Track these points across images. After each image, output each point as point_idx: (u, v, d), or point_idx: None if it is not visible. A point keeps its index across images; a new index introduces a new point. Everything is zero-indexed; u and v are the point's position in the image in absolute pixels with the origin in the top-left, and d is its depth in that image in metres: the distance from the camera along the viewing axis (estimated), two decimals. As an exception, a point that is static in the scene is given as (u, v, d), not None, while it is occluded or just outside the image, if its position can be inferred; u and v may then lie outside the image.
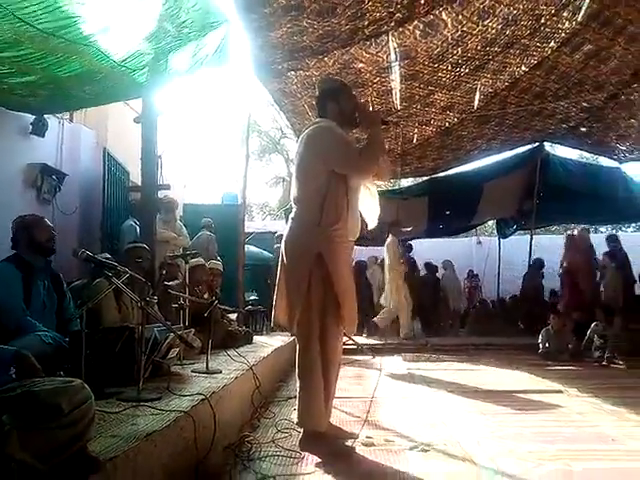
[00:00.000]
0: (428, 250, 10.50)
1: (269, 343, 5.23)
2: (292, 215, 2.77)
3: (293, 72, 5.24)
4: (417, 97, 6.10)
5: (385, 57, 5.27)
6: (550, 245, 11.80)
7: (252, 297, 7.15)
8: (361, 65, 5.37)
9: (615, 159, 8.52)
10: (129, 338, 2.72)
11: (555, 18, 5.23)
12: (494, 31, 5.14)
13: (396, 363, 6.03)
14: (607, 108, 7.13)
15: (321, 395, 2.63)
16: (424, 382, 4.77)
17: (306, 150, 2.74)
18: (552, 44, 5.65)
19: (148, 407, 2.20)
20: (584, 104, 6.94)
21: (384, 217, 7.05)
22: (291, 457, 2.55)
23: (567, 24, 5.40)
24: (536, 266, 9.11)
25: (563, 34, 5.54)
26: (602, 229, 16.91)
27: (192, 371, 3.24)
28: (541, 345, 6.38)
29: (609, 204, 8.48)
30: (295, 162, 2.88)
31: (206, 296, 4.49)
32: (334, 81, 3.19)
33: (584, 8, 5.13)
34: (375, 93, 5.94)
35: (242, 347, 4.49)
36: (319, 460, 2.50)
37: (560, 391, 4.26)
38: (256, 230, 11.15)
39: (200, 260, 4.91)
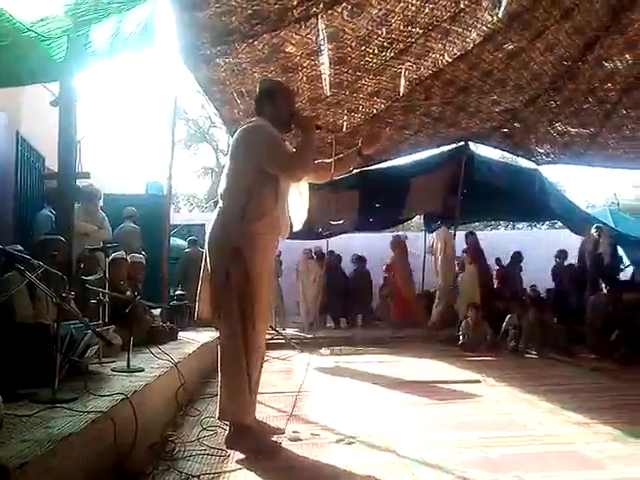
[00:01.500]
0: (356, 245, 10.64)
1: (195, 339, 5.11)
2: (217, 210, 2.77)
3: (222, 58, 5.11)
4: (346, 83, 6.10)
5: (314, 39, 5.22)
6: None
7: (178, 292, 6.95)
8: (291, 48, 5.29)
9: (533, 161, 8.97)
10: (44, 336, 2.56)
11: (474, 5, 5.34)
12: (414, 7, 5.18)
13: (323, 356, 6.09)
14: (527, 111, 7.49)
15: (246, 386, 2.61)
16: (350, 375, 4.85)
17: (237, 147, 2.76)
18: (474, 35, 5.78)
19: (64, 409, 2.09)
20: (506, 105, 7.24)
21: (318, 211, 7.11)
22: (216, 455, 2.50)
23: (487, 16, 5.55)
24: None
25: (485, 27, 5.68)
26: (519, 226, 17.93)
27: (112, 370, 3.09)
28: (461, 337, 6.66)
29: (527, 203, 8.95)
30: (227, 158, 2.88)
31: (128, 292, 4.32)
32: (273, 83, 3.21)
33: (504, 3, 5.28)
34: (305, 78, 5.89)
35: (166, 344, 4.36)
36: (243, 457, 2.47)
37: (479, 381, 4.46)
38: (183, 222, 10.87)
39: (121, 253, 4.71)
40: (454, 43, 5.84)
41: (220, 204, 2.77)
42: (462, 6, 5.26)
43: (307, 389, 3.91)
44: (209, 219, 2.82)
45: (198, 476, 2.23)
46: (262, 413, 3.20)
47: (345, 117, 6.88)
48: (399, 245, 9.55)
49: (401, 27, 5.39)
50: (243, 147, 2.73)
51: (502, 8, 5.35)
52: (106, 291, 3.75)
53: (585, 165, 9.09)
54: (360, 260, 9.88)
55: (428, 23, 5.43)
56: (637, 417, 3.13)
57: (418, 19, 5.34)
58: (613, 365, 5.22)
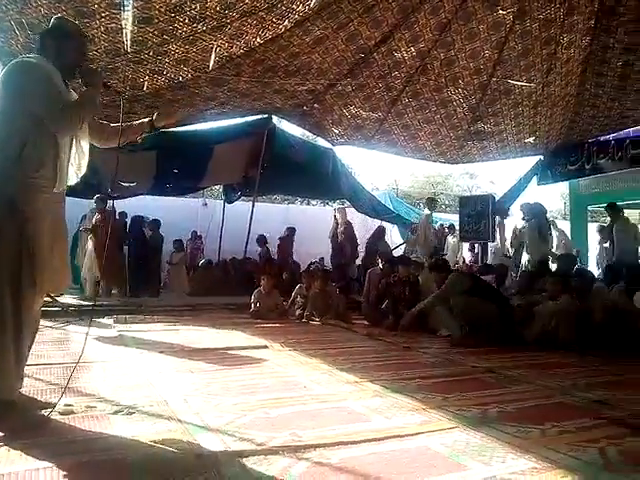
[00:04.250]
0: (151, 209, 10.13)
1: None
2: None
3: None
4: (150, 43, 5.73)
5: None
6: (270, 213, 12.77)
7: None
8: (90, -9, 4.77)
9: (329, 141, 9.57)
10: None
11: (291, -3, 5.49)
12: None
13: (107, 325, 5.71)
14: (327, 94, 7.93)
15: (11, 358, 2.30)
16: (135, 344, 4.62)
17: (4, 85, 2.38)
18: (286, 23, 5.94)
19: None
20: (309, 86, 7.56)
21: (105, 171, 6.52)
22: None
23: (301, 7, 5.73)
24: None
25: (297, 16, 5.87)
26: (313, 202, 19.02)
27: None
28: (252, 305, 6.85)
29: (322, 181, 9.53)
30: None
31: None
32: (68, 23, 2.75)
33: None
34: (103, 28, 5.35)
35: None
36: (4, 434, 2.18)
37: (266, 346, 4.64)
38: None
39: None
40: (268, 29, 5.90)
41: None
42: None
43: (86, 360, 3.60)
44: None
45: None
46: (31, 387, 2.87)
47: (147, 77, 6.45)
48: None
49: (217, 8, 5.29)
50: (11, 86, 2.37)
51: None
52: None
53: (373, 149, 9.99)
54: (154, 224, 9.38)
55: (246, 11, 5.41)
56: (397, 375, 3.58)
57: (237, 7, 5.29)
58: (383, 331, 5.89)
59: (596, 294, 5.39)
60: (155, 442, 2.19)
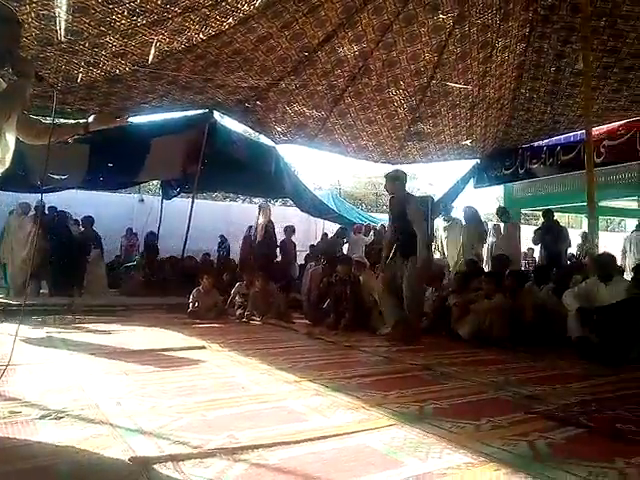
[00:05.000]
0: (84, 204, 9.71)
1: None
2: None
3: None
4: (86, 34, 5.49)
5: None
6: (211, 211, 12.55)
7: None
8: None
9: (272, 139, 9.50)
10: None
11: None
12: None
13: (35, 326, 5.41)
14: (271, 91, 7.86)
15: None
16: (65, 346, 4.41)
17: None
18: (230, 20, 5.85)
19: None
20: (252, 83, 7.47)
21: (35, 161, 6.18)
22: None
23: (246, 6, 5.67)
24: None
25: (241, 14, 5.80)
26: (255, 200, 18.84)
27: None
28: (190, 305, 6.69)
29: (264, 179, 9.43)
30: None
31: None
32: (4, 8, 2.52)
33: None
34: (34, 14, 5.07)
35: None
36: None
37: (204, 347, 4.53)
38: None
39: None
40: (211, 26, 5.80)
41: None
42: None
43: (11, 363, 3.38)
44: None
45: None
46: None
47: (82, 69, 6.19)
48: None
49: (159, 2, 5.16)
50: None
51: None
52: None
53: (316, 148, 10.01)
54: (87, 221, 8.98)
55: (189, 7, 5.30)
56: (337, 374, 3.58)
57: (179, 1, 5.18)
58: (324, 330, 5.90)
59: (527, 293, 5.63)
60: (84, 448, 2.08)
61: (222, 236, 11.24)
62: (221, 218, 12.33)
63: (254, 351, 4.39)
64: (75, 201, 9.20)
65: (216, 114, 8.64)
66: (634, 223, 11.79)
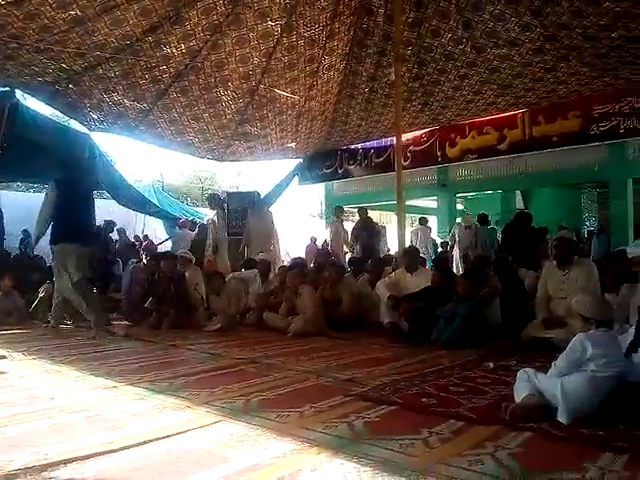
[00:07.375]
0: None
1: None
2: None
3: None
4: None
5: None
6: (12, 203, 11.05)
7: None
8: None
9: (86, 125, 8.70)
10: None
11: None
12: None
13: None
14: (86, 76, 7.17)
15: None
16: None
17: None
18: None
19: None
20: (63, 65, 6.74)
21: None
22: None
23: None
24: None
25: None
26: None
27: None
28: None
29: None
30: None
31: None
32: None
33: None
34: None
35: None
36: None
37: (4, 357, 4.00)
38: None
39: None
40: None
41: None
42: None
43: None
44: None
45: None
46: None
47: None
48: None
49: None
50: None
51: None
52: None
53: (138, 139, 9.46)
54: None
55: None
56: (161, 375, 3.44)
57: None
58: (145, 330, 5.61)
59: (346, 284, 6.03)
60: None
61: (25, 231, 9.99)
62: (24, 211, 10.93)
63: (64, 358, 4.02)
64: None
65: (19, 93, 7.62)
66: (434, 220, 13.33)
